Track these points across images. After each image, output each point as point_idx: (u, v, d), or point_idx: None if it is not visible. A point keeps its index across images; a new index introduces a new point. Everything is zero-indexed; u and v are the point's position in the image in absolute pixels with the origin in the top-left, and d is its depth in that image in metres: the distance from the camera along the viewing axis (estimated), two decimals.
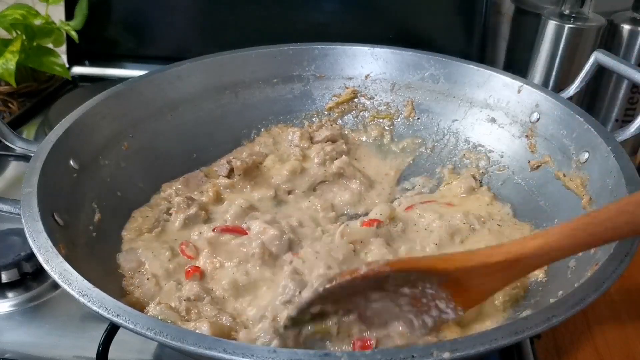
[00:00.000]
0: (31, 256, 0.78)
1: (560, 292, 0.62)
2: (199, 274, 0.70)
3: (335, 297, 0.55)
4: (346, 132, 1.01)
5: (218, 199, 0.85)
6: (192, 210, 0.79)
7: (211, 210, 0.82)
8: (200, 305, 0.64)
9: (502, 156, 0.91)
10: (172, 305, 0.65)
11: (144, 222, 0.80)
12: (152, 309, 0.63)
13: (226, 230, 0.74)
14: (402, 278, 0.55)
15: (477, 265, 0.54)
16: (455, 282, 0.55)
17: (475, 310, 0.63)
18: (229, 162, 0.87)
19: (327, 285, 0.54)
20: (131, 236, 0.77)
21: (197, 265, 0.72)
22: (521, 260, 0.54)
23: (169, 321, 0.61)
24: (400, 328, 0.57)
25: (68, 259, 0.55)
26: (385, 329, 0.57)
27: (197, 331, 0.59)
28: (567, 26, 1.03)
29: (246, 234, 0.74)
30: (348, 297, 0.56)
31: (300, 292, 0.60)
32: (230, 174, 0.87)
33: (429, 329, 0.57)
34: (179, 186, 0.86)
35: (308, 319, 0.56)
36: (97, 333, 0.65)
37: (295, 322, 0.56)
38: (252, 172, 0.87)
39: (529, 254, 0.54)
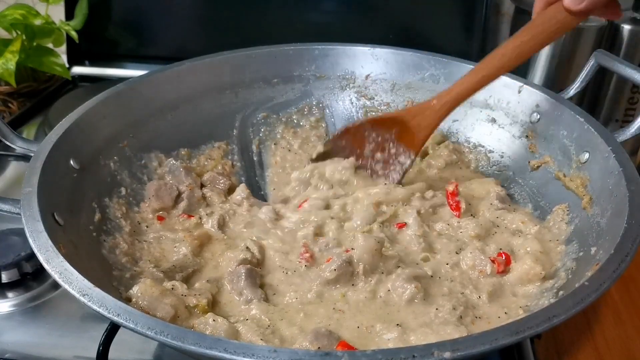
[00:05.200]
0: (31, 256, 0.78)
1: (561, 292, 0.62)
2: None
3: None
4: None
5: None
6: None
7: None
8: None
9: (502, 156, 0.91)
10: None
11: None
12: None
13: None
14: (374, 134, 0.86)
15: (415, 108, 0.84)
16: (405, 128, 0.83)
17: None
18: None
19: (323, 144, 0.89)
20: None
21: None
22: (445, 102, 0.81)
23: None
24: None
25: (68, 258, 0.55)
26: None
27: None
28: None
29: None
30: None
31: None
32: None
33: (397, 176, 0.85)
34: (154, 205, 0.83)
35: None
36: (98, 333, 0.65)
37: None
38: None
39: (451, 95, 0.81)
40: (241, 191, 0.87)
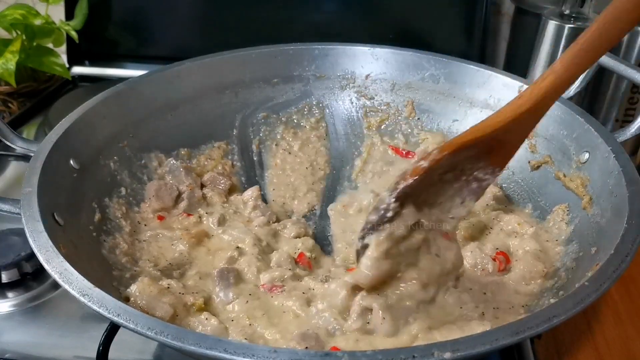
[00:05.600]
0: (31, 256, 0.78)
1: (561, 292, 0.62)
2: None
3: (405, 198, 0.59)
4: None
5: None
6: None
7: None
8: None
9: None
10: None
11: None
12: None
13: None
14: (448, 164, 0.58)
15: (510, 120, 0.58)
16: (495, 146, 0.59)
17: None
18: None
19: (399, 187, 0.58)
20: None
21: None
22: (543, 100, 0.57)
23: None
24: (456, 203, 0.62)
25: (68, 258, 0.55)
26: (442, 210, 0.62)
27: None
28: (567, 26, 1.03)
29: None
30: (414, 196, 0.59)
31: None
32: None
33: (475, 197, 0.62)
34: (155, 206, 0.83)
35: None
36: (97, 333, 0.65)
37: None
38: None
39: (547, 92, 0.56)
40: (252, 192, 0.88)
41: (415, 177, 0.57)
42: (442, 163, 0.57)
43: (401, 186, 0.57)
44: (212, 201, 0.87)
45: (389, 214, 0.58)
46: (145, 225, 0.81)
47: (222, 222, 0.83)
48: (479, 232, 0.77)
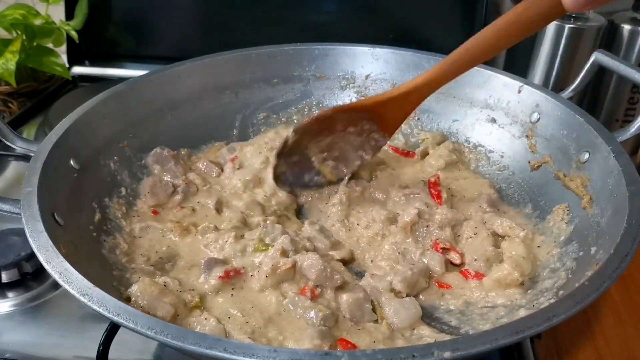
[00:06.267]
0: (31, 256, 0.78)
1: (561, 292, 0.62)
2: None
3: (303, 143, 0.81)
4: None
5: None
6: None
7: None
8: None
9: (502, 156, 0.91)
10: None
11: None
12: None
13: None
14: (345, 118, 0.80)
15: (387, 99, 0.79)
16: (379, 116, 0.81)
17: None
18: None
19: (293, 131, 0.80)
20: None
21: None
22: (415, 91, 0.77)
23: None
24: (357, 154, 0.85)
25: (68, 258, 0.55)
26: (348, 160, 0.85)
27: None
28: (567, 26, 1.03)
29: None
30: (313, 140, 0.82)
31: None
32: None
33: (372, 153, 0.85)
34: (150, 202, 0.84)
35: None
36: (98, 333, 0.65)
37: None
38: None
39: (420, 85, 0.76)
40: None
41: (312, 120, 0.80)
42: (333, 116, 0.80)
43: (300, 125, 0.80)
44: (200, 184, 0.87)
45: (288, 142, 0.80)
46: (137, 216, 0.81)
47: (219, 207, 0.83)
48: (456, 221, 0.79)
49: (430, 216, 0.78)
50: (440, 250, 0.74)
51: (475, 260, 0.73)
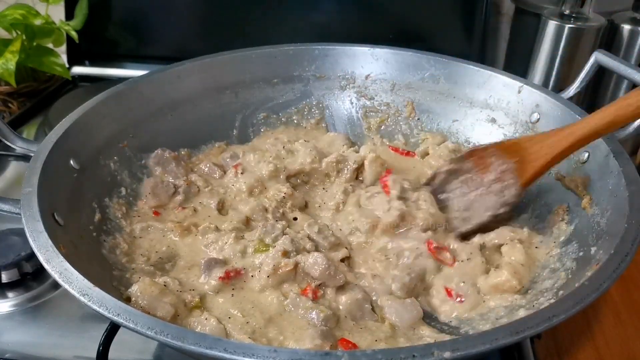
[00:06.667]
0: (31, 256, 0.78)
1: (561, 292, 0.62)
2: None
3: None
4: None
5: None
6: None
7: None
8: None
9: None
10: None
11: None
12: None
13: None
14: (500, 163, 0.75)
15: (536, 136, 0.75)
16: (523, 159, 0.73)
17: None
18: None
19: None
20: None
21: None
22: (576, 143, 0.70)
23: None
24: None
25: (68, 258, 0.55)
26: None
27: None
28: (567, 26, 1.03)
29: None
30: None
31: None
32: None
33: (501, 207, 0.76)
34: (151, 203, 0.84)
35: None
36: (97, 333, 0.65)
37: None
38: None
39: (580, 138, 0.69)
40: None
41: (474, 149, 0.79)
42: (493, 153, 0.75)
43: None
44: (202, 186, 0.87)
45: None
46: (138, 216, 0.81)
47: (220, 208, 0.83)
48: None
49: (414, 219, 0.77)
50: (434, 250, 0.74)
51: (463, 283, 0.71)
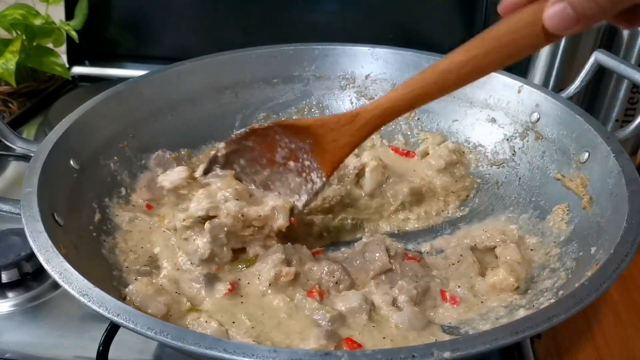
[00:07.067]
0: (31, 256, 0.78)
1: (561, 292, 0.62)
2: None
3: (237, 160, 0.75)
4: None
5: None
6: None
7: None
8: None
9: (502, 156, 0.91)
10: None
11: None
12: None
13: None
14: (284, 145, 0.72)
15: (329, 119, 0.69)
16: (318, 144, 0.69)
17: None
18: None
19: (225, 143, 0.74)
20: None
21: None
22: (360, 114, 0.67)
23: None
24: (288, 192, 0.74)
25: (68, 258, 0.55)
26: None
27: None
28: None
29: None
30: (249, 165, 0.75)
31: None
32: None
33: (305, 197, 0.73)
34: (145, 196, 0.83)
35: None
36: (97, 333, 0.65)
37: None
38: None
39: (370, 110, 0.66)
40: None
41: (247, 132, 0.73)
42: (271, 134, 0.71)
43: (232, 136, 0.74)
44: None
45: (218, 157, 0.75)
46: (133, 205, 0.81)
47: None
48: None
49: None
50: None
51: (459, 287, 0.70)
